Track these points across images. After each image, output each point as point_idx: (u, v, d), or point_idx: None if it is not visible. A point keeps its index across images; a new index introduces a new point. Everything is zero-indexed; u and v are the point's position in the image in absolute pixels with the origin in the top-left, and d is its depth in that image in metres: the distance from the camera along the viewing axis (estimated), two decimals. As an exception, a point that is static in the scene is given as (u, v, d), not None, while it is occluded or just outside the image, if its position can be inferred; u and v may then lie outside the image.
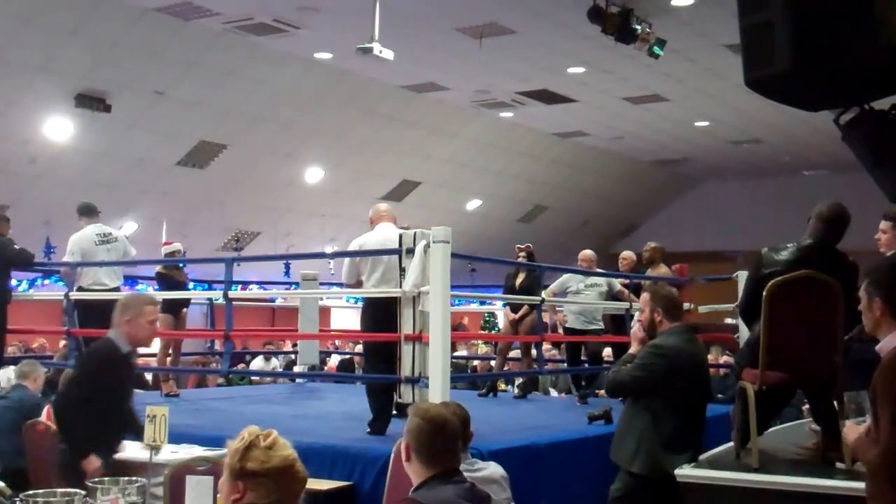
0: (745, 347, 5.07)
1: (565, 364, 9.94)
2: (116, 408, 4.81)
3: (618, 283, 9.24)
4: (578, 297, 8.98)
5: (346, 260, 6.73)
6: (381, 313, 6.33)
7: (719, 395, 8.36)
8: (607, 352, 9.75)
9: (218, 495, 2.75)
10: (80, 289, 8.11)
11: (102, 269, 8.10)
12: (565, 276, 9.26)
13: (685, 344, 4.88)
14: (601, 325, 9.14)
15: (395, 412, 6.38)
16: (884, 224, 5.26)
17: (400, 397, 6.23)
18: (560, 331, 9.75)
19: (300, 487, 2.64)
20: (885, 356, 2.95)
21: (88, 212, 8.35)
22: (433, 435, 2.94)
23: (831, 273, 4.60)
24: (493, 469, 4.18)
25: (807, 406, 6.82)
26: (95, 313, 8.08)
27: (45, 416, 6.05)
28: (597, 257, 9.52)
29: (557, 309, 9.49)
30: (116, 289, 8.19)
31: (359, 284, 6.65)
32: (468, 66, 13.13)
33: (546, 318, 10.11)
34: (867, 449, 2.95)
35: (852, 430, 3.08)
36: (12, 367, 9.08)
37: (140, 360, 11.44)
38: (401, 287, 6.09)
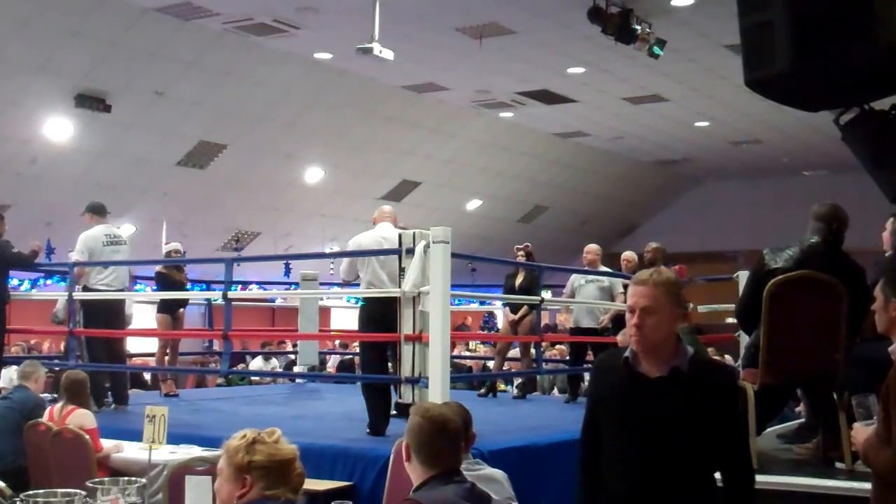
0: (747, 349, 5.06)
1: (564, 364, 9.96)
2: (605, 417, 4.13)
3: (620, 285, 9.25)
4: (581, 291, 9.03)
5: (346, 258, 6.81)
6: (374, 311, 6.39)
7: None
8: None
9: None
10: (86, 288, 8.10)
11: (107, 269, 8.06)
12: (572, 277, 9.35)
13: (689, 345, 4.87)
14: (607, 324, 9.13)
15: (395, 412, 6.40)
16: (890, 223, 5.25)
17: (400, 397, 6.25)
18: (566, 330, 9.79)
19: (300, 483, 2.76)
20: None
21: (99, 210, 8.31)
22: (433, 434, 2.93)
23: (835, 273, 4.59)
24: (493, 469, 4.17)
25: (800, 408, 6.82)
26: (100, 314, 8.08)
27: (48, 416, 6.05)
28: (601, 252, 9.59)
29: (570, 308, 9.53)
30: (122, 291, 8.17)
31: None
32: (468, 66, 13.12)
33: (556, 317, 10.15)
34: (877, 451, 2.90)
35: (861, 432, 3.04)
36: (14, 368, 9.09)
37: (139, 360, 11.50)
38: (400, 287, 6.11)
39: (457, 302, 14.18)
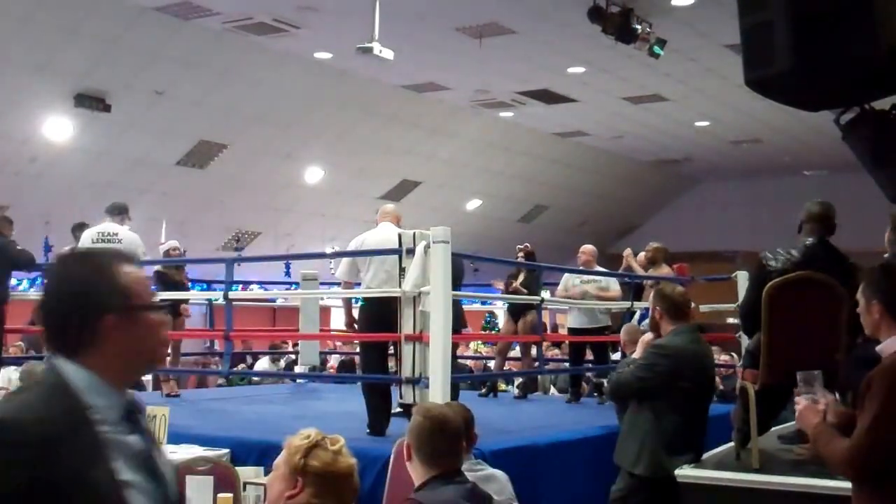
0: (747, 352, 5.06)
1: (567, 364, 9.95)
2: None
3: (616, 283, 9.24)
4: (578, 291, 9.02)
5: (345, 258, 6.80)
6: (375, 311, 6.39)
7: (719, 388, 8.37)
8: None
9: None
10: None
11: None
12: (565, 276, 9.30)
13: (689, 344, 4.87)
14: (605, 323, 9.12)
15: (400, 411, 6.39)
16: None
17: (401, 398, 6.25)
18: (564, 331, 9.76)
19: (353, 496, 2.70)
20: (887, 357, 2.94)
21: (108, 211, 8.28)
22: (434, 434, 2.94)
23: (835, 273, 4.60)
24: (495, 469, 4.18)
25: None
26: None
27: None
28: (597, 253, 9.55)
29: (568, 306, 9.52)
30: None
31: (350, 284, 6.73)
32: (468, 66, 13.13)
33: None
34: (829, 439, 2.93)
35: (810, 411, 3.06)
36: (13, 368, 9.08)
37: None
38: (401, 287, 6.10)
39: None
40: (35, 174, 13.23)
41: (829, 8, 3.64)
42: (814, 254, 4.75)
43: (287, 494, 2.62)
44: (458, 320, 7.66)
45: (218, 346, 11.00)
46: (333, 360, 13.81)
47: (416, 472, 2.94)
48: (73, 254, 1.97)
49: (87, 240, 8.06)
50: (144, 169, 14.04)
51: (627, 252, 9.66)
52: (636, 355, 5.05)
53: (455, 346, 8.23)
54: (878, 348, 3.01)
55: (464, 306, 17.17)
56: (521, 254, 9.09)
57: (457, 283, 7.07)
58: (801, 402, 3.11)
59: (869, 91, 3.94)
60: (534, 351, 9.17)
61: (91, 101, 12.25)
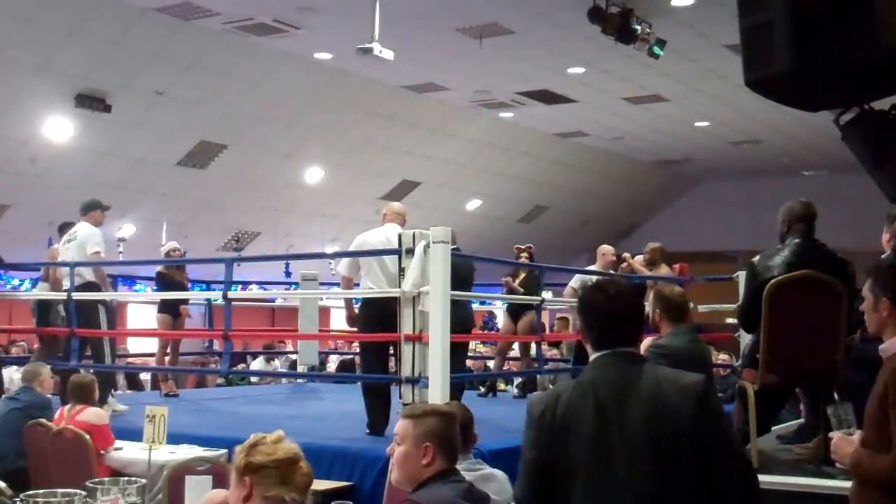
0: (746, 355, 5.06)
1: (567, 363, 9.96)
2: None
3: None
4: None
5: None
6: (373, 312, 6.39)
7: (720, 394, 8.37)
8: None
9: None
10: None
11: (64, 269, 7.87)
12: (577, 277, 9.38)
13: (688, 344, 4.86)
14: None
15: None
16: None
17: (400, 397, 6.25)
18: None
19: (306, 483, 2.69)
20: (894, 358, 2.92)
21: (80, 210, 8.14)
22: (450, 429, 2.94)
23: (829, 270, 4.61)
24: (494, 469, 4.18)
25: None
26: (72, 315, 7.89)
27: (57, 417, 6.02)
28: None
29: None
30: (88, 286, 7.74)
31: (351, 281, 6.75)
32: (468, 66, 13.12)
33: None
34: (872, 460, 2.87)
35: (844, 442, 3.02)
36: (15, 368, 9.08)
37: (139, 360, 11.50)
38: (400, 287, 6.10)
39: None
40: (36, 175, 13.22)
41: (829, 8, 3.63)
42: (806, 252, 4.75)
43: (241, 497, 2.61)
44: (468, 320, 7.67)
45: (217, 346, 10.99)
46: (333, 361, 13.81)
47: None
48: (622, 279, 2.65)
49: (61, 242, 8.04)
50: (145, 169, 14.04)
51: (628, 256, 9.69)
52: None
53: (465, 346, 8.24)
54: (881, 347, 2.99)
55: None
56: (524, 254, 9.10)
57: (466, 284, 7.08)
58: (834, 435, 3.09)
59: (869, 91, 3.94)
60: (533, 351, 9.17)
61: (91, 102, 12.24)
